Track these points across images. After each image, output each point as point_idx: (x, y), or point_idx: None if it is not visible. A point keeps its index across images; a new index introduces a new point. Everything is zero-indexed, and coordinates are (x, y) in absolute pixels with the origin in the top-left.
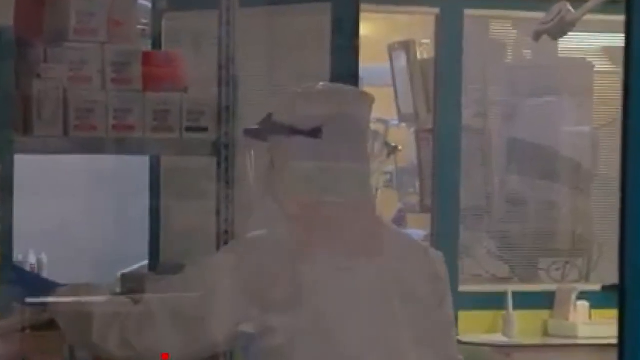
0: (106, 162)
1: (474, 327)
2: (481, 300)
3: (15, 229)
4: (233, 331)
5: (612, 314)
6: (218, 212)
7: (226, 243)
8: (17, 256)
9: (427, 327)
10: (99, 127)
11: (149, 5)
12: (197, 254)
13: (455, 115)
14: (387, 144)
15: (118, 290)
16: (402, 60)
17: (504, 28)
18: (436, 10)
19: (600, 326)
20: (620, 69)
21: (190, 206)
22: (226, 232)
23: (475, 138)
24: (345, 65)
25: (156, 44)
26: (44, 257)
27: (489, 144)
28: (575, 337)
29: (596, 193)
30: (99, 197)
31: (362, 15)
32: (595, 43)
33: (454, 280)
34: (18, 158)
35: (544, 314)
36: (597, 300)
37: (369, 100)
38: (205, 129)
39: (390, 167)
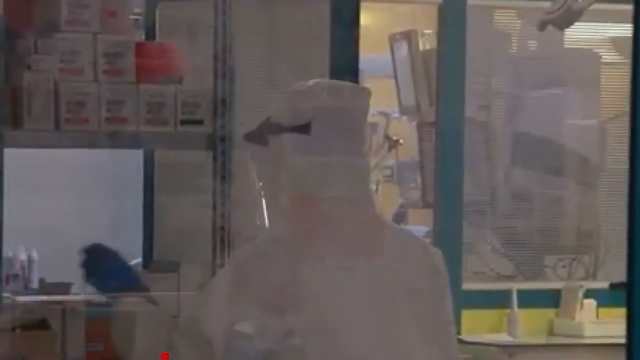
0: (99, 156)
1: (478, 327)
2: (485, 298)
3: (5, 225)
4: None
5: (620, 312)
6: (214, 208)
7: (222, 240)
8: (7, 253)
9: (430, 324)
10: (91, 120)
11: None
12: (192, 251)
13: (458, 108)
14: (387, 138)
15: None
16: (403, 51)
17: (508, 18)
18: None
19: (607, 325)
20: (628, 60)
21: (185, 202)
22: (222, 228)
23: (478, 131)
24: (345, 56)
25: (150, 34)
26: (35, 254)
27: (493, 138)
28: (582, 337)
29: (603, 188)
30: (91, 192)
31: (363, 5)
32: (602, 33)
33: (457, 278)
34: (8, 152)
35: (549, 312)
36: (604, 299)
37: (365, 94)
38: (200, 122)
39: (391, 162)
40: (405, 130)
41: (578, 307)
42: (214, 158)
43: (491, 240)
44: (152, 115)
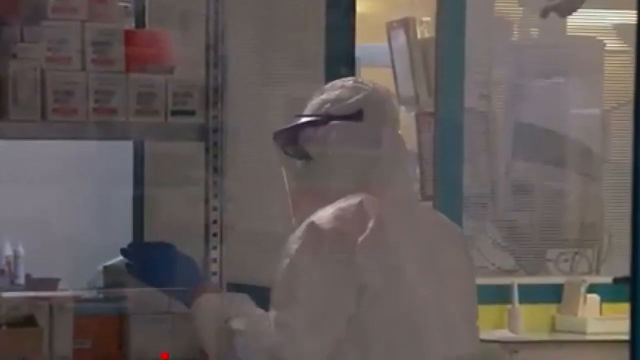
0: (87, 148)
1: (479, 322)
2: (485, 293)
3: None
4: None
5: (624, 308)
6: (206, 201)
7: (215, 234)
8: None
9: (471, 303)
10: (79, 110)
11: None
12: (184, 245)
13: (457, 98)
14: None
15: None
16: (401, 39)
17: (509, 5)
18: None
19: (611, 321)
20: (632, 48)
21: (177, 195)
22: (215, 222)
23: (478, 122)
24: (340, 44)
25: (140, 22)
26: (21, 249)
27: (494, 128)
28: (585, 333)
29: (607, 180)
30: (79, 185)
31: None
32: (606, 20)
33: None
34: None
35: (551, 308)
36: (608, 294)
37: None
38: (192, 113)
39: None
40: (403, 120)
41: (581, 302)
42: (206, 150)
43: (492, 233)
44: (142, 106)
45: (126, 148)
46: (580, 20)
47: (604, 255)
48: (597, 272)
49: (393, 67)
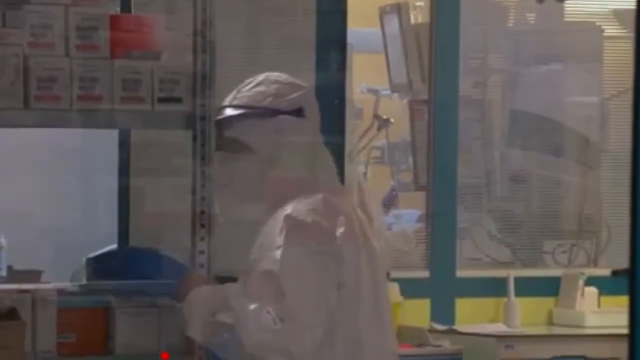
0: (71, 136)
1: (473, 316)
2: (480, 286)
3: None
4: None
5: (623, 301)
6: (194, 191)
7: (202, 225)
8: None
9: None
10: (62, 97)
11: None
12: (170, 236)
13: (452, 85)
14: (377, 116)
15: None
16: (394, 24)
17: None
18: None
19: (609, 314)
20: (632, 34)
21: (163, 184)
22: (202, 212)
23: (473, 110)
24: (332, 29)
25: (125, 6)
26: (3, 240)
27: (489, 116)
28: (583, 327)
29: (605, 169)
30: (63, 175)
31: None
32: (604, 5)
33: (451, 265)
34: None
35: (548, 301)
36: (606, 287)
37: None
38: (179, 100)
39: (381, 142)
40: (396, 108)
41: (579, 295)
42: (194, 138)
43: (487, 224)
44: (128, 93)
45: (111, 136)
46: (578, 5)
47: (602, 246)
48: (596, 264)
49: (386, 53)
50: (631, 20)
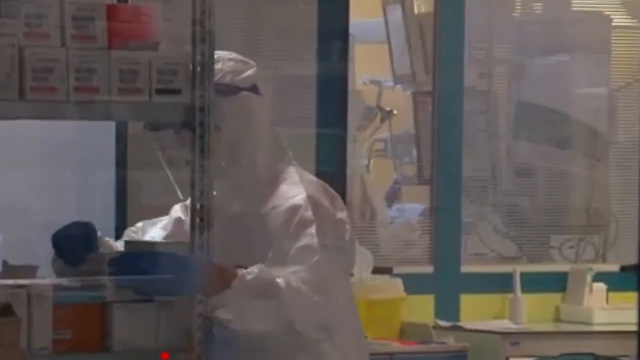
0: (67, 128)
1: (478, 312)
2: (486, 282)
3: None
4: None
5: (632, 297)
6: (192, 185)
7: (201, 219)
8: None
9: None
10: (58, 89)
11: None
12: None
13: (456, 76)
14: (380, 108)
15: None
16: (397, 14)
17: None
18: None
19: (618, 311)
20: None
21: (161, 178)
22: (202, 206)
23: (478, 101)
24: (334, 19)
25: None
26: None
27: (494, 108)
28: (591, 324)
29: (614, 162)
30: (59, 168)
31: None
32: None
33: (456, 260)
34: None
35: (555, 297)
36: (615, 282)
37: None
38: (178, 91)
39: (384, 134)
40: (399, 100)
41: (586, 291)
42: (193, 130)
43: (492, 219)
44: (125, 84)
45: (109, 129)
46: None
47: (610, 241)
48: (604, 260)
49: (389, 43)
50: None
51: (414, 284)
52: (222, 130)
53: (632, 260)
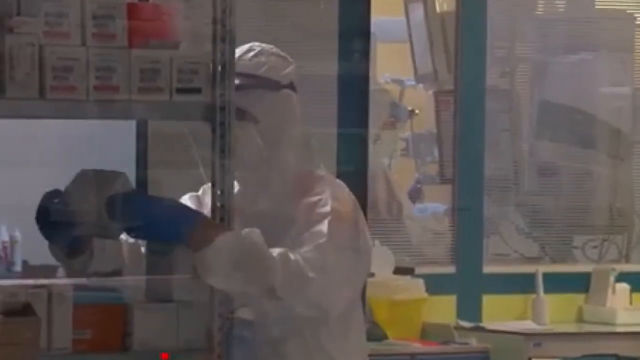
0: (87, 127)
1: (500, 313)
2: (508, 282)
3: None
4: None
5: None
6: (213, 184)
7: (222, 218)
8: None
9: None
10: (78, 88)
11: None
12: None
13: (479, 75)
14: (402, 107)
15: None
16: (419, 12)
17: None
18: None
19: None
20: None
21: (181, 177)
22: (222, 206)
23: (501, 100)
24: (355, 18)
25: None
26: (18, 234)
27: (517, 107)
28: (614, 324)
29: (637, 162)
30: (79, 167)
31: None
32: None
33: (478, 261)
34: None
35: (578, 298)
36: (638, 283)
37: None
38: (198, 91)
39: (406, 134)
40: (421, 99)
41: (610, 291)
42: (213, 129)
43: (514, 219)
44: (146, 83)
45: (129, 128)
46: None
47: (634, 241)
48: (627, 260)
49: (410, 42)
50: None
51: (435, 284)
52: (260, 124)
53: None
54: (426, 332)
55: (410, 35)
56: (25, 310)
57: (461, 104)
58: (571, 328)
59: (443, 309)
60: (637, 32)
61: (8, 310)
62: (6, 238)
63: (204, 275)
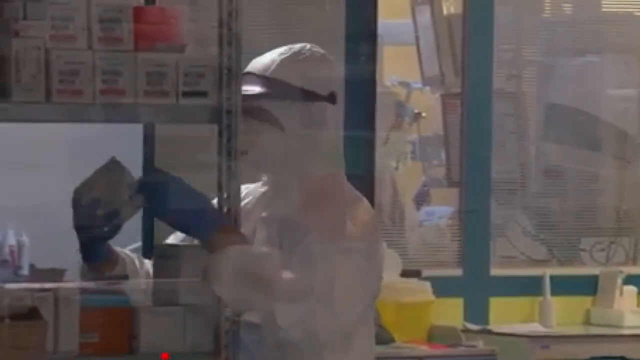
0: (93, 131)
1: (507, 316)
2: (515, 285)
3: None
4: None
5: None
6: (219, 187)
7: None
8: None
9: None
10: (85, 91)
11: None
12: None
13: (485, 78)
14: (409, 110)
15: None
16: (426, 15)
17: None
18: None
19: None
20: None
21: (188, 180)
22: (229, 210)
23: (508, 103)
24: (362, 21)
25: None
26: (25, 238)
27: (524, 110)
28: (622, 327)
29: None
30: (85, 171)
31: None
32: None
33: (485, 263)
34: None
35: (585, 300)
36: None
37: None
38: (204, 94)
39: (413, 136)
40: (428, 102)
41: (617, 294)
42: (219, 133)
43: (522, 221)
44: (152, 87)
45: (135, 131)
46: None
47: None
48: (635, 262)
49: (417, 45)
50: None
51: (442, 287)
52: (285, 132)
53: None
54: (433, 335)
55: (417, 38)
56: (32, 314)
57: (468, 107)
58: (578, 330)
59: (450, 312)
60: None
61: (15, 314)
62: (13, 242)
63: (210, 280)
